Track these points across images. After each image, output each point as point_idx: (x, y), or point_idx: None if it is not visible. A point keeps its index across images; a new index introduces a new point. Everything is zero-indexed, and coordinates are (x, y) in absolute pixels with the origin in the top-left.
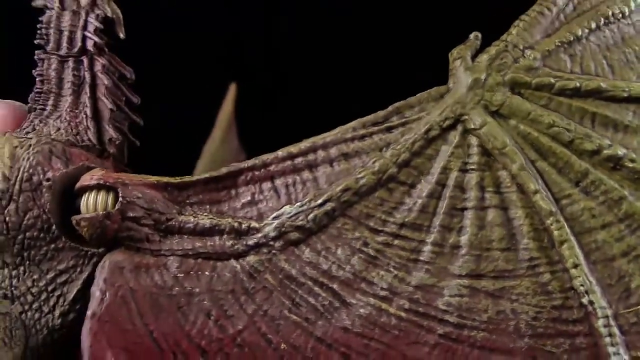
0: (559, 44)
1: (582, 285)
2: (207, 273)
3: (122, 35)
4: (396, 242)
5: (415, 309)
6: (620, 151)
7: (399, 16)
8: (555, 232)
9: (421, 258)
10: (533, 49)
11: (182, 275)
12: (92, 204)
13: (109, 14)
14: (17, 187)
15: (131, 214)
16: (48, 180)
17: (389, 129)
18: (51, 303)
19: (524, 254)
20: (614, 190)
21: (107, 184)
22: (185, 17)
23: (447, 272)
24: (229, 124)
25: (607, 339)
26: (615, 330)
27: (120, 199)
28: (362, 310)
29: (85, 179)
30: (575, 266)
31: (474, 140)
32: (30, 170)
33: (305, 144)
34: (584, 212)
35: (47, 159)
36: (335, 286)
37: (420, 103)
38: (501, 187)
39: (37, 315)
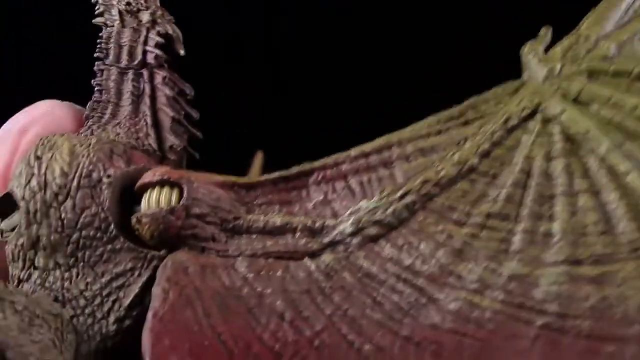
0: (633, 34)
1: None
2: (279, 273)
3: (182, 52)
4: (483, 233)
5: (510, 301)
6: None
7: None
8: None
9: (512, 248)
10: (607, 39)
11: (252, 275)
12: (154, 201)
13: (170, 32)
14: (75, 183)
15: (197, 211)
16: (109, 176)
17: (465, 123)
18: (105, 308)
19: (623, 237)
20: None
21: (172, 179)
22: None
23: (541, 262)
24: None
25: None
26: None
27: (185, 194)
28: (452, 306)
29: (148, 176)
30: None
31: (555, 129)
32: (90, 167)
33: (378, 142)
34: None
35: (108, 156)
36: (420, 282)
37: (496, 97)
38: (589, 171)
39: (89, 321)
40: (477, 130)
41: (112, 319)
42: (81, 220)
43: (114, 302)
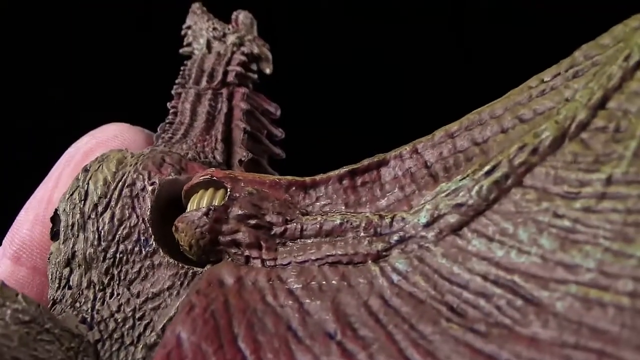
0: None
1: None
2: (333, 282)
3: (268, 71)
4: (604, 204)
5: None
6: None
7: None
8: None
9: None
10: None
11: (300, 286)
12: (196, 204)
13: (255, 51)
14: (116, 192)
15: (239, 212)
16: (153, 184)
17: (575, 75)
18: (136, 333)
19: None
20: None
21: (215, 178)
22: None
23: None
24: None
25: None
26: None
27: (228, 194)
28: (559, 306)
29: (195, 178)
30: None
31: None
32: (135, 175)
33: (468, 117)
34: None
35: (157, 165)
36: (516, 279)
37: (616, 38)
38: None
39: (115, 347)
40: (591, 78)
41: (141, 345)
42: (119, 232)
43: (146, 326)
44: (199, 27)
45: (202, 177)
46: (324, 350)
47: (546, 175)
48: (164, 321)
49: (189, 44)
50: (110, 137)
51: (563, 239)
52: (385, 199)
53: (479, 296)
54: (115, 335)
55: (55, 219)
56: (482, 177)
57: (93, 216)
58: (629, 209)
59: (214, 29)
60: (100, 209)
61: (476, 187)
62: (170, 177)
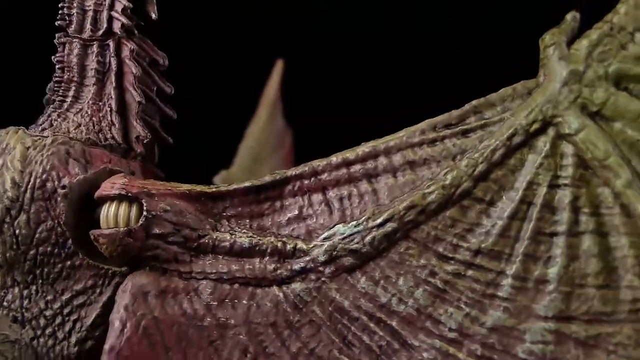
0: None
1: None
2: (244, 302)
3: (154, 16)
4: (470, 272)
5: (489, 356)
6: None
7: None
8: None
9: (499, 294)
10: None
11: (216, 303)
12: (112, 216)
13: None
14: (28, 195)
15: (157, 231)
16: (64, 187)
17: (464, 133)
18: (67, 328)
19: (627, 293)
20: None
21: (130, 194)
22: None
23: (530, 313)
24: (274, 101)
25: None
26: None
27: (144, 212)
28: (425, 355)
29: (106, 188)
30: None
31: (568, 149)
32: (44, 176)
33: (364, 149)
34: None
35: (63, 162)
36: (394, 323)
37: (504, 101)
38: (601, 207)
39: (50, 342)
40: (477, 143)
41: (73, 339)
42: (37, 236)
43: (75, 322)
44: None
45: (115, 191)
46: None
47: (427, 235)
48: (93, 317)
49: None
50: None
51: (435, 296)
52: (286, 216)
53: (364, 332)
54: (47, 332)
55: None
56: (374, 228)
57: (8, 220)
58: (488, 282)
59: None
60: (14, 212)
61: (368, 237)
62: (80, 177)
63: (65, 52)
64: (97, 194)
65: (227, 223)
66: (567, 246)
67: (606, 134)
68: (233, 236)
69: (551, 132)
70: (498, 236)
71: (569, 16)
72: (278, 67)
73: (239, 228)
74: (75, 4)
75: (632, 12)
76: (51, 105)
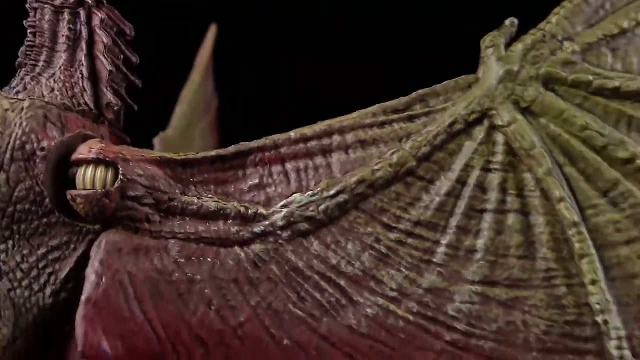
0: (602, 37)
1: (598, 303)
2: (209, 259)
3: None
4: (409, 240)
5: (423, 313)
6: None
7: None
8: (577, 245)
9: (434, 260)
10: (572, 41)
11: (183, 260)
12: (89, 178)
13: None
14: (7, 155)
15: (131, 193)
16: (42, 149)
17: (410, 118)
18: (42, 281)
19: (541, 264)
20: None
21: (107, 159)
22: None
23: (459, 277)
24: (207, 66)
25: None
26: (628, 353)
27: (120, 176)
28: (369, 310)
29: (83, 151)
30: (593, 282)
31: (500, 138)
32: (23, 138)
33: (320, 127)
34: (609, 225)
35: (41, 125)
36: (342, 282)
37: (447, 92)
38: (524, 190)
39: (26, 293)
40: (421, 128)
41: (48, 291)
42: (15, 194)
43: (49, 274)
44: None
45: (92, 155)
46: (206, 315)
47: (374, 206)
48: (66, 270)
49: None
50: None
51: (379, 260)
52: (247, 184)
53: (316, 289)
54: (23, 284)
55: None
56: (328, 198)
57: None
58: (425, 249)
59: None
60: None
61: (322, 206)
62: (57, 140)
63: (37, 17)
64: (74, 157)
65: (194, 188)
66: (494, 222)
67: (533, 127)
68: (200, 200)
69: (486, 122)
70: (435, 210)
71: (507, 21)
72: (211, 32)
73: (205, 193)
74: None
75: (562, 23)
76: (23, 69)
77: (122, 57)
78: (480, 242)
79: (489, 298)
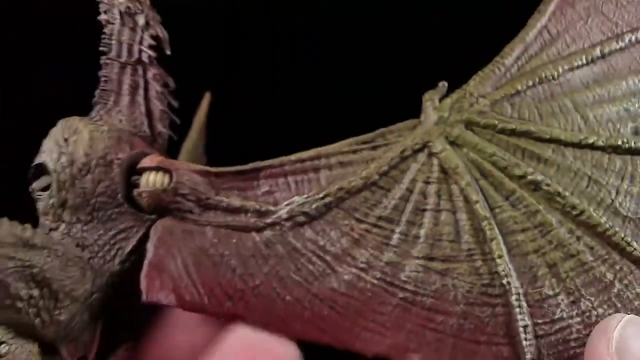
0: (504, 95)
1: (503, 270)
2: (234, 241)
3: (168, 52)
4: (374, 230)
5: (384, 279)
6: (540, 177)
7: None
8: (488, 232)
9: (391, 243)
10: (484, 98)
11: (216, 240)
12: (152, 181)
13: (159, 34)
14: (94, 162)
15: (181, 192)
16: (118, 159)
17: (374, 147)
18: (112, 253)
19: (465, 245)
20: (532, 205)
21: (165, 167)
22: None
23: (409, 254)
24: (201, 129)
25: (517, 310)
26: (524, 303)
27: (174, 179)
28: (345, 277)
29: (147, 162)
30: (500, 257)
31: (435, 161)
32: (106, 150)
33: (311, 152)
34: (510, 219)
35: (117, 142)
36: (328, 258)
37: (399, 130)
38: (452, 196)
39: (101, 262)
40: (382, 154)
41: (117, 261)
42: (97, 190)
43: (118, 249)
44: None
45: (154, 164)
46: (232, 279)
47: (349, 206)
48: (130, 247)
49: (105, 12)
50: None
51: (353, 243)
52: (261, 191)
53: (309, 262)
54: (99, 255)
55: (39, 169)
56: (318, 199)
57: (79, 177)
58: (385, 236)
59: (126, 6)
60: (83, 172)
61: (314, 205)
62: (127, 153)
63: (108, 69)
64: (141, 165)
65: (223, 192)
66: (432, 217)
67: (457, 154)
68: (228, 199)
69: (426, 150)
70: (392, 209)
71: (440, 84)
72: (206, 98)
73: (231, 195)
74: (114, 38)
75: (478, 85)
76: (98, 106)
77: (167, 101)
78: (422, 231)
79: (429, 269)
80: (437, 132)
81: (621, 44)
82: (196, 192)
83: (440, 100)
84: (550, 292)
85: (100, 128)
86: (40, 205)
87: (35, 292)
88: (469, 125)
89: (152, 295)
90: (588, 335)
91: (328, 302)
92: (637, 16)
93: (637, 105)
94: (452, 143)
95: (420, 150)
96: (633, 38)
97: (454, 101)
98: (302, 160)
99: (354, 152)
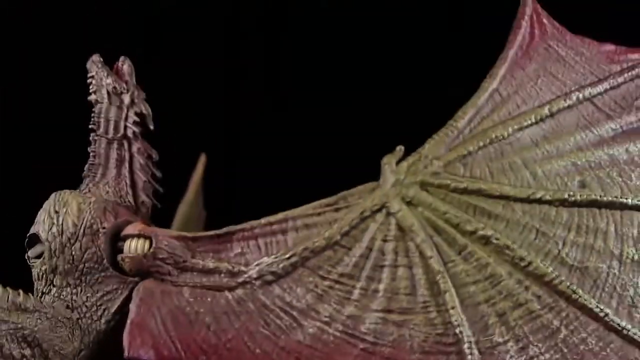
0: (457, 156)
1: (456, 321)
2: (209, 299)
3: (151, 127)
4: (337, 286)
5: (346, 331)
6: (489, 232)
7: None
8: (442, 285)
9: (352, 297)
10: (438, 160)
11: (192, 299)
12: (134, 247)
13: (144, 111)
14: (82, 231)
15: (160, 256)
16: (104, 228)
17: (337, 210)
18: (99, 313)
19: (421, 298)
20: (483, 258)
21: (145, 234)
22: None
23: (368, 308)
24: (197, 189)
25: (469, 357)
26: (476, 351)
27: (153, 245)
28: (310, 330)
29: (130, 229)
30: (453, 308)
31: (393, 221)
32: (92, 220)
33: (280, 216)
34: (462, 272)
35: (103, 213)
36: (294, 313)
37: (359, 193)
38: (409, 253)
39: (89, 322)
40: (344, 216)
41: (103, 320)
42: (85, 256)
43: (104, 309)
44: (99, 78)
45: (136, 232)
46: (206, 335)
47: (314, 264)
48: (115, 307)
49: (94, 92)
50: None
51: (317, 298)
52: (233, 253)
53: (277, 317)
54: (87, 315)
55: (33, 237)
56: (285, 259)
57: (68, 245)
58: (347, 291)
59: (113, 87)
60: (72, 241)
61: (282, 265)
62: (112, 222)
63: (96, 145)
64: (124, 232)
65: (199, 255)
66: (390, 273)
67: (413, 213)
68: (203, 262)
69: (384, 211)
70: (353, 266)
71: (397, 148)
72: (202, 161)
73: (206, 258)
74: (102, 116)
75: (432, 148)
76: (87, 179)
77: (150, 172)
78: (381, 286)
79: (387, 320)
80: (394, 194)
81: (569, 102)
82: (174, 256)
83: (397, 163)
84: (500, 340)
85: (88, 200)
86: (34, 272)
87: (27, 352)
88: (424, 186)
89: (133, 351)
90: None
91: (294, 354)
92: (584, 75)
93: (584, 160)
94: (408, 203)
95: (379, 210)
96: (580, 96)
97: (410, 164)
98: (271, 224)
99: (319, 214)
